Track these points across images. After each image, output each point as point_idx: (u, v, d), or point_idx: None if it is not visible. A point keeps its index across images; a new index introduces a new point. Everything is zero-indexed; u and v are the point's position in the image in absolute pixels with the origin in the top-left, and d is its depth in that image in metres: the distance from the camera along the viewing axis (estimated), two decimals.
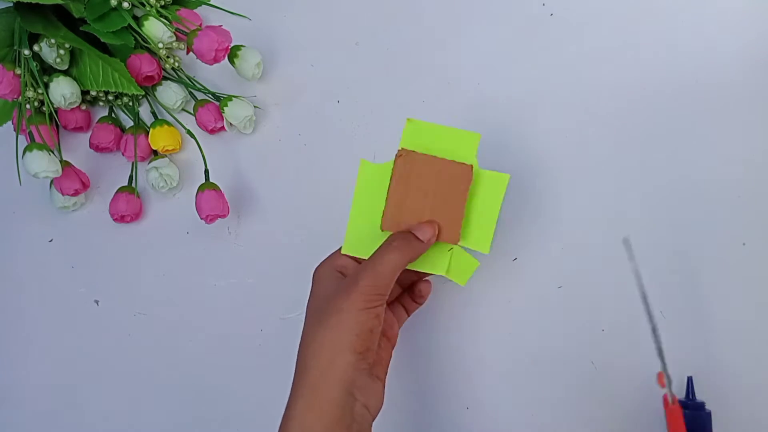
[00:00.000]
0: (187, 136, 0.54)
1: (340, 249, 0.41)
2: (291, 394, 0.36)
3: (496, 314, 0.48)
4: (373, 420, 0.37)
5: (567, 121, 0.50)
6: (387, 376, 0.45)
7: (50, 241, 0.54)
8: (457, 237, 0.40)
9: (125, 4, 0.50)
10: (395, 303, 0.44)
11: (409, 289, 0.44)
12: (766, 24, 0.49)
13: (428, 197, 0.40)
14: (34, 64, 0.49)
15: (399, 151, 0.40)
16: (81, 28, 0.50)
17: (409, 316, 0.44)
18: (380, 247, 0.38)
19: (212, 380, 0.50)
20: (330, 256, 0.41)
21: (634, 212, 0.48)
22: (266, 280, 0.51)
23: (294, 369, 0.37)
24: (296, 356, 0.37)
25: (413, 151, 0.40)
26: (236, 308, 0.51)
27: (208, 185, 0.50)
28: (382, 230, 0.40)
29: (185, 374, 0.51)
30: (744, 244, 0.46)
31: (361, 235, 0.41)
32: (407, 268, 0.39)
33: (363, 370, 0.35)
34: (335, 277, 0.39)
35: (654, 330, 0.39)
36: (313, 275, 0.40)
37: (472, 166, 0.40)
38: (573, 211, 0.49)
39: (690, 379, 0.44)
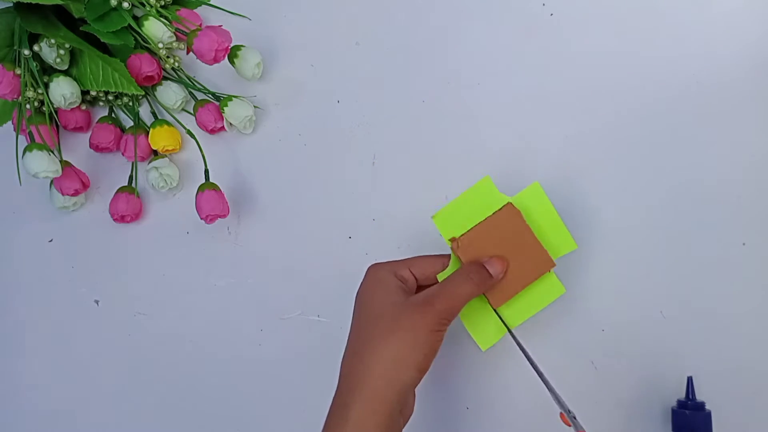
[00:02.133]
0: (187, 136, 0.54)
1: (403, 260, 0.41)
2: (346, 392, 0.36)
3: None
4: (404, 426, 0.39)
5: (567, 121, 0.50)
6: None
7: (50, 241, 0.54)
8: (551, 261, 0.41)
9: (125, 4, 0.50)
10: None
11: None
12: (765, 24, 0.49)
13: (503, 252, 0.40)
14: (34, 64, 0.49)
15: (509, 204, 0.41)
16: (81, 28, 0.50)
17: None
18: (455, 274, 0.39)
19: (212, 380, 0.50)
20: (392, 262, 0.41)
21: (634, 212, 0.48)
22: (266, 280, 0.51)
23: (341, 364, 0.37)
24: (346, 352, 0.38)
25: (519, 213, 0.41)
26: (236, 308, 0.51)
27: (208, 185, 0.50)
28: (449, 243, 0.41)
29: (185, 374, 0.51)
30: (744, 244, 0.46)
31: (453, 221, 0.41)
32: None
33: (415, 386, 0.36)
34: (398, 286, 0.39)
35: (539, 376, 0.40)
36: (369, 273, 0.40)
37: (511, 203, 0.41)
38: (572, 211, 0.49)
39: (690, 379, 0.44)
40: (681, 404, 0.44)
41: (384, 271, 0.40)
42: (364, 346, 0.37)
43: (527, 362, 0.47)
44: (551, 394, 0.39)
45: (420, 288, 0.41)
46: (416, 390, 0.47)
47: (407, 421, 0.39)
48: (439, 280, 0.41)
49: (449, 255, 0.42)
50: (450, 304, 0.37)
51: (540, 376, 0.40)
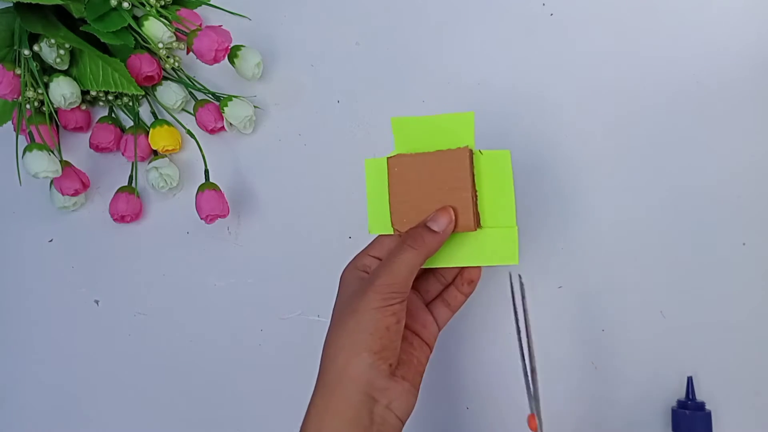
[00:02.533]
0: (187, 136, 0.54)
1: (363, 249, 0.40)
2: (313, 393, 0.36)
3: (496, 314, 0.48)
4: (403, 423, 0.36)
5: (567, 121, 0.50)
6: None
7: (50, 241, 0.54)
8: (473, 223, 0.38)
9: (125, 4, 0.50)
10: (435, 302, 0.42)
11: (454, 281, 0.42)
12: (766, 25, 0.49)
13: (433, 193, 0.38)
14: (34, 64, 0.49)
15: (389, 159, 0.39)
16: (81, 28, 0.50)
17: (454, 312, 0.42)
18: (395, 246, 0.38)
19: (212, 380, 0.50)
20: (354, 257, 0.40)
21: (634, 212, 0.48)
22: (266, 280, 0.51)
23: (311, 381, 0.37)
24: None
25: (402, 154, 0.39)
26: (236, 308, 0.51)
27: (208, 185, 0.50)
28: (394, 233, 0.40)
29: (185, 374, 0.51)
30: (744, 244, 0.46)
31: (383, 214, 0.40)
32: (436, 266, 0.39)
33: (382, 370, 0.34)
34: (358, 277, 0.39)
35: (530, 372, 0.38)
36: (340, 279, 0.40)
37: (467, 148, 0.38)
38: (573, 211, 0.49)
39: (690, 379, 0.44)
40: (681, 404, 0.44)
41: (347, 270, 0.40)
42: (324, 345, 0.37)
43: (527, 361, 0.47)
44: (528, 391, 0.38)
45: None
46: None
47: (404, 416, 0.36)
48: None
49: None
50: (390, 278, 0.35)
51: (525, 368, 0.38)
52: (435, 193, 0.38)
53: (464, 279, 0.42)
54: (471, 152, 0.38)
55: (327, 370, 0.35)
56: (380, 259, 0.40)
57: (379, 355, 0.34)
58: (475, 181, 0.39)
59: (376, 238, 0.41)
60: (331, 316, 0.38)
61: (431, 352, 0.40)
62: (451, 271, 0.42)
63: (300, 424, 0.35)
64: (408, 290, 0.36)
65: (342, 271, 0.40)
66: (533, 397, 0.38)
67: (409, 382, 0.37)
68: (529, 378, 0.38)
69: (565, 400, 0.46)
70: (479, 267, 0.41)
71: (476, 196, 0.39)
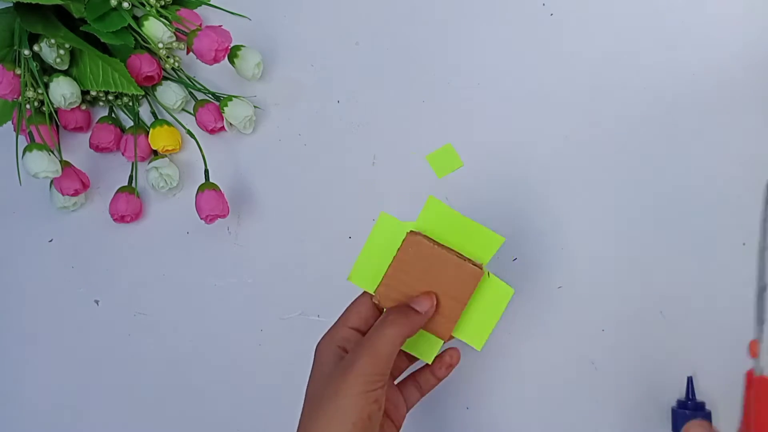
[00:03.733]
0: (187, 136, 0.54)
1: (339, 320, 0.38)
2: None
3: None
4: None
5: (567, 121, 0.50)
6: None
7: (50, 241, 0.54)
8: (448, 335, 0.38)
9: (125, 4, 0.50)
10: (407, 381, 0.40)
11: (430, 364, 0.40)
12: (765, 24, 0.49)
13: (431, 288, 0.37)
14: (34, 64, 0.49)
15: (409, 233, 0.38)
16: (81, 28, 0.50)
17: (423, 395, 0.40)
18: (377, 323, 0.36)
19: (212, 380, 0.50)
20: (330, 329, 0.38)
21: (634, 212, 0.48)
22: (266, 280, 0.51)
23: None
24: None
25: (423, 238, 0.37)
26: (236, 308, 0.51)
27: (208, 185, 0.50)
28: (373, 299, 0.38)
29: (185, 374, 0.51)
30: (744, 244, 0.46)
31: (370, 271, 0.39)
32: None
33: None
34: (335, 354, 0.36)
35: (761, 291, 0.35)
36: (315, 352, 0.37)
37: (482, 272, 0.37)
38: (573, 211, 0.49)
39: (690, 379, 0.44)
40: (681, 404, 0.44)
41: (323, 345, 0.37)
42: (301, 424, 0.34)
43: (528, 361, 0.47)
44: (758, 313, 0.35)
45: None
46: None
47: None
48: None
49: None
50: (372, 358, 0.33)
51: (761, 291, 0.36)
52: (432, 289, 0.37)
53: (443, 362, 0.40)
54: (414, 233, 0.38)
55: None
56: (358, 330, 0.37)
57: None
58: (443, 241, 0.38)
59: (351, 306, 0.38)
60: (305, 395, 0.36)
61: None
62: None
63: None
64: (389, 373, 0.34)
65: (317, 344, 0.37)
66: (760, 320, 0.35)
67: None
68: (762, 298, 0.35)
69: (565, 400, 0.46)
70: (458, 350, 0.40)
71: (460, 315, 0.38)
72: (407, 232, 0.38)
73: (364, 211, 0.51)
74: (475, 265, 0.37)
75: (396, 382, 0.40)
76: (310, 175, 0.53)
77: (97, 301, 0.53)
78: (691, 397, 0.44)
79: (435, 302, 0.37)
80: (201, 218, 0.49)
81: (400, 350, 0.37)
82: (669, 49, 0.50)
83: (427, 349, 0.39)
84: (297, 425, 0.35)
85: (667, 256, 0.47)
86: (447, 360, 0.40)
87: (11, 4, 0.49)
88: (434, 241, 0.38)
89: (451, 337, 0.39)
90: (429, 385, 0.40)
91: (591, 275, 0.47)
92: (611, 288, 0.47)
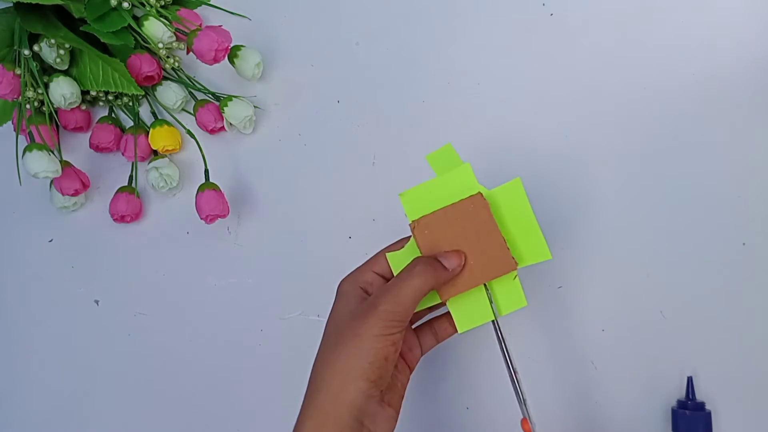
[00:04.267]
0: (187, 136, 0.54)
1: (366, 263, 0.39)
2: (300, 413, 0.35)
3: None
4: None
5: (567, 121, 0.50)
6: None
7: (50, 241, 0.54)
8: (513, 262, 0.37)
9: (125, 4, 0.50)
10: (424, 326, 0.42)
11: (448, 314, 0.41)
12: (765, 24, 0.49)
13: (462, 244, 0.38)
14: (34, 64, 0.49)
15: (479, 193, 0.38)
16: (81, 28, 0.50)
17: (439, 342, 0.41)
18: (404, 270, 0.36)
19: (212, 380, 0.50)
20: (356, 270, 0.39)
21: (635, 212, 0.48)
22: (266, 280, 0.51)
23: (306, 385, 0.36)
24: (310, 373, 0.36)
25: (422, 217, 0.38)
26: (236, 308, 0.51)
27: (208, 185, 0.50)
28: (410, 223, 0.39)
29: (185, 374, 0.51)
30: (744, 244, 0.46)
31: (421, 202, 0.39)
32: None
33: (374, 397, 0.34)
34: (358, 294, 0.37)
35: (514, 374, 0.38)
36: (337, 289, 0.38)
37: (480, 193, 0.38)
38: (573, 211, 0.49)
39: (690, 379, 0.44)
40: (681, 404, 0.44)
41: (347, 284, 0.38)
42: (316, 365, 0.36)
43: (528, 361, 0.47)
44: (517, 396, 0.38)
45: None
46: (416, 389, 0.47)
47: None
48: (389, 262, 0.39)
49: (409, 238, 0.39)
50: (394, 305, 0.34)
51: (512, 375, 0.38)
52: (465, 246, 0.38)
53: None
54: (482, 196, 0.38)
55: (320, 390, 0.34)
56: (382, 276, 0.39)
57: (374, 383, 0.34)
58: (498, 220, 0.38)
59: (380, 253, 0.40)
60: (325, 328, 0.37)
61: (408, 376, 0.40)
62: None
63: None
64: (408, 320, 0.35)
65: (340, 281, 0.39)
66: (521, 401, 0.38)
67: (393, 408, 0.37)
68: (516, 382, 0.38)
69: (565, 400, 0.46)
70: None
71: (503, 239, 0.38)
72: (478, 192, 0.38)
73: (364, 211, 0.51)
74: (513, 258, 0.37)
75: (414, 326, 0.41)
76: (310, 175, 0.53)
77: (97, 301, 0.53)
78: (691, 397, 0.44)
79: (463, 263, 0.37)
80: (201, 218, 0.49)
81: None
82: (669, 48, 0.50)
83: (514, 298, 0.39)
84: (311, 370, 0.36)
85: (667, 255, 0.47)
86: None
87: (11, 4, 0.49)
88: (435, 211, 0.38)
89: (517, 265, 0.38)
90: (445, 333, 0.41)
91: (591, 275, 0.47)
92: (611, 288, 0.47)
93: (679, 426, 0.43)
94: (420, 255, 0.38)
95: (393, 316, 0.34)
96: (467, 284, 0.37)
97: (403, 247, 0.39)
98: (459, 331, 0.39)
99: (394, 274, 0.38)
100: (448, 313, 0.40)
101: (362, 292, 0.38)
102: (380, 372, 0.34)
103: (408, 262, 0.37)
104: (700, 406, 0.43)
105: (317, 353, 0.36)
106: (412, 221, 0.38)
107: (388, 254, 0.39)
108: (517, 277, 0.39)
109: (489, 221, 0.37)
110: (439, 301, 0.38)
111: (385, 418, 0.35)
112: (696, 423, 0.42)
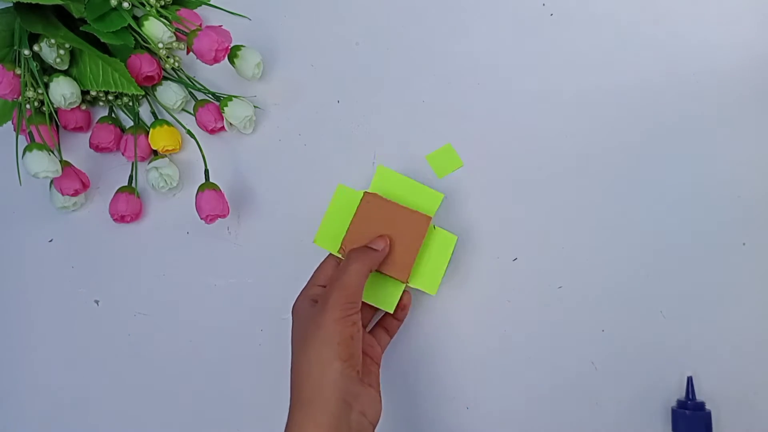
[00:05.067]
0: (187, 136, 0.54)
1: (309, 282, 0.44)
2: (289, 413, 0.37)
3: (496, 314, 0.48)
4: (374, 428, 0.38)
5: (567, 120, 0.50)
6: (389, 378, 0.45)
7: (50, 241, 0.54)
8: (406, 276, 0.43)
9: (125, 4, 0.50)
10: (376, 328, 0.46)
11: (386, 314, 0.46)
12: (765, 24, 0.49)
13: (385, 230, 0.44)
14: (34, 64, 0.49)
15: (365, 194, 0.44)
16: (81, 28, 0.50)
17: (391, 337, 0.46)
18: (343, 262, 0.41)
19: (212, 380, 0.50)
20: (302, 290, 0.43)
21: (635, 212, 0.48)
22: (266, 280, 0.51)
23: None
24: (290, 381, 0.38)
25: (377, 196, 0.44)
26: (236, 308, 0.51)
27: (208, 185, 0.50)
28: (339, 252, 0.44)
29: (185, 374, 0.51)
30: (744, 244, 0.46)
31: (331, 234, 0.46)
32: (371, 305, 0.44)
33: (353, 377, 0.37)
34: (309, 305, 0.41)
35: None
36: (292, 312, 0.42)
37: (429, 217, 0.44)
38: (573, 211, 0.49)
39: (690, 379, 0.44)
40: (681, 404, 0.44)
41: (298, 302, 0.42)
42: (293, 366, 0.38)
43: (528, 362, 0.47)
44: None
45: None
46: (416, 390, 0.47)
47: (375, 421, 0.38)
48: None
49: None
50: (343, 291, 0.38)
51: None
52: (384, 231, 0.44)
53: (399, 305, 0.45)
54: (429, 220, 0.44)
55: (302, 386, 0.37)
56: (326, 287, 0.42)
57: (348, 363, 0.37)
58: (422, 248, 0.44)
59: (318, 268, 0.44)
60: (292, 343, 0.40)
61: (379, 368, 0.43)
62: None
63: None
64: (360, 301, 0.40)
65: (293, 306, 0.42)
66: None
67: (374, 389, 0.40)
68: None
69: (566, 400, 0.46)
70: (409, 293, 0.46)
71: (415, 257, 0.44)
72: (363, 193, 0.44)
73: None
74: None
75: (368, 330, 0.46)
76: (310, 175, 0.53)
77: (97, 301, 0.53)
78: (691, 397, 0.44)
79: (389, 242, 0.43)
80: (201, 218, 0.49)
81: (365, 304, 0.44)
82: (669, 48, 0.50)
83: (388, 300, 0.44)
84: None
85: (667, 256, 0.47)
86: (400, 303, 0.45)
87: (11, 4, 0.49)
88: (386, 199, 0.44)
89: (407, 283, 0.44)
90: (393, 326, 0.46)
91: (591, 275, 0.47)
92: (611, 288, 0.47)
93: (679, 426, 0.43)
94: (354, 215, 0.44)
95: (345, 299, 0.38)
96: (410, 258, 0.43)
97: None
98: (433, 294, 0.44)
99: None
100: (390, 313, 0.45)
101: (313, 303, 0.41)
102: (350, 350, 0.37)
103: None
104: (700, 406, 0.43)
105: (291, 364, 0.39)
106: (339, 250, 0.44)
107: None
108: (435, 227, 0.45)
109: (418, 239, 0.44)
110: (401, 288, 0.44)
111: (370, 397, 0.38)
112: (696, 423, 0.42)
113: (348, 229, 0.44)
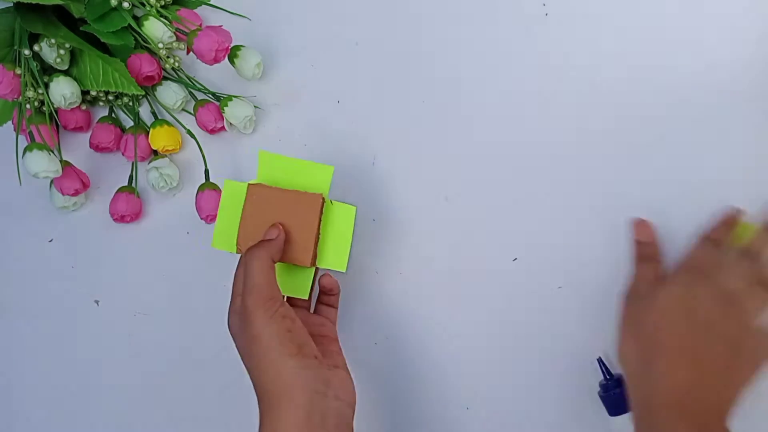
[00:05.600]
0: (187, 136, 0.54)
1: (232, 295, 0.41)
2: (260, 423, 0.37)
3: (496, 314, 0.48)
4: (353, 408, 0.38)
5: (567, 120, 0.50)
6: (389, 378, 0.45)
7: (50, 241, 0.54)
8: (309, 260, 0.42)
9: (125, 4, 0.50)
10: (318, 305, 0.46)
11: (319, 293, 0.46)
12: (766, 24, 0.49)
13: (283, 223, 0.42)
14: (34, 64, 0.49)
15: (250, 185, 0.42)
16: (81, 28, 0.50)
17: (336, 308, 0.46)
18: (239, 264, 0.40)
19: (212, 380, 0.50)
20: (229, 309, 0.41)
21: (635, 212, 0.48)
22: None
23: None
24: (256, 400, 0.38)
25: (262, 185, 0.42)
26: None
27: (208, 185, 0.50)
28: (237, 251, 0.42)
29: (185, 374, 0.51)
30: None
31: (228, 234, 0.44)
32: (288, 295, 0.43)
33: (313, 365, 0.36)
34: (240, 320, 0.39)
35: None
36: (230, 332, 0.40)
37: (321, 195, 0.42)
38: (573, 211, 0.49)
39: (600, 360, 0.45)
40: (604, 387, 0.44)
41: (229, 320, 0.40)
42: (253, 380, 0.38)
43: (528, 362, 0.47)
44: None
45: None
46: (416, 390, 0.47)
47: (351, 400, 0.38)
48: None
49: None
50: (257, 291, 0.37)
51: None
52: (284, 224, 0.42)
53: (323, 290, 0.45)
54: (323, 200, 0.43)
55: (265, 393, 0.36)
56: None
57: (300, 354, 0.36)
58: (321, 225, 0.43)
59: (234, 279, 0.41)
60: (243, 363, 0.38)
61: (338, 343, 0.43)
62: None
63: None
64: (279, 293, 0.38)
65: (228, 329, 0.40)
66: None
67: (341, 368, 0.39)
68: None
69: (566, 400, 0.46)
70: (329, 275, 0.45)
71: (318, 238, 0.43)
72: (248, 185, 0.42)
73: (364, 211, 0.51)
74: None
75: (313, 311, 0.46)
76: None
77: (97, 301, 0.53)
78: (608, 376, 0.44)
79: (282, 229, 0.41)
80: (201, 218, 0.49)
81: (296, 299, 0.43)
82: (670, 47, 0.50)
83: (301, 286, 0.43)
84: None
85: (670, 256, 0.47)
86: (324, 286, 0.44)
87: (11, 4, 0.49)
88: (273, 187, 0.42)
89: (315, 265, 0.43)
90: (333, 302, 0.46)
91: (591, 275, 0.47)
92: (611, 288, 0.47)
93: (609, 407, 0.43)
94: (242, 210, 0.42)
95: (261, 299, 0.37)
96: (311, 242, 0.42)
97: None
98: (345, 270, 0.43)
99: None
100: (320, 296, 0.45)
101: (241, 316, 0.39)
102: (295, 341, 0.36)
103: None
104: (620, 381, 0.43)
105: (250, 377, 0.38)
106: (237, 248, 0.42)
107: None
108: (333, 202, 0.44)
109: (313, 220, 0.42)
110: (311, 272, 0.43)
111: (339, 378, 0.38)
112: (619, 398, 0.42)
113: (239, 225, 0.42)
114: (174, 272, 0.52)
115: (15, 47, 0.50)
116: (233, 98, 0.52)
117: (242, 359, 0.38)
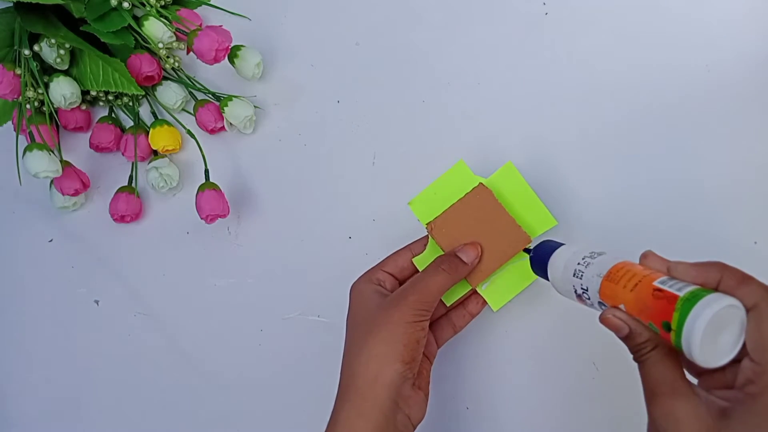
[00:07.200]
0: (187, 136, 0.54)
1: (375, 266, 0.42)
2: (338, 399, 0.37)
3: (496, 314, 0.48)
4: (414, 429, 0.38)
5: (568, 120, 0.50)
6: None
7: (50, 241, 0.54)
8: (526, 236, 0.41)
9: (125, 4, 0.50)
10: (441, 320, 0.44)
11: (464, 302, 0.45)
12: (766, 25, 0.49)
13: (478, 234, 0.41)
14: (35, 64, 0.49)
15: (480, 184, 0.42)
16: (81, 28, 0.50)
17: (456, 332, 0.44)
18: (429, 266, 0.40)
19: (212, 380, 0.50)
20: (366, 272, 0.42)
21: (641, 212, 0.48)
22: (266, 280, 0.51)
23: (339, 376, 0.38)
24: (341, 365, 0.38)
25: (490, 193, 0.41)
26: (236, 308, 0.51)
27: (208, 185, 0.50)
28: (426, 228, 0.42)
29: (185, 374, 0.51)
30: (755, 242, 0.46)
31: (429, 205, 0.43)
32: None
33: (408, 380, 0.37)
34: (375, 291, 0.40)
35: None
36: (351, 291, 0.41)
37: (529, 239, 0.41)
38: (574, 211, 0.49)
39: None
40: (527, 251, 0.40)
41: (361, 283, 0.41)
42: (350, 353, 0.38)
43: (528, 362, 0.47)
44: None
45: (402, 282, 0.42)
46: None
47: (417, 424, 0.38)
48: (417, 266, 0.42)
49: (420, 241, 0.43)
50: (423, 296, 0.38)
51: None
52: (480, 240, 0.41)
53: (466, 310, 0.44)
54: (484, 186, 0.42)
55: (357, 375, 0.36)
56: (393, 275, 0.42)
57: (409, 366, 0.36)
58: (503, 204, 0.41)
59: (391, 255, 0.43)
60: (348, 324, 0.40)
61: (431, 365, 0.42)
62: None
63: (327, 422, 0.37)
64: (433, 309, 0.39)
65: (352, 284, 0.41)
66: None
67: (423, 391, 0.39)
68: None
69: (566, 401, 0.46)
70: (481, 304, 0.44)
71: (496, 270, 0.42)
72: (479, 183, 0.42)
73: (364, 211, 0.51)
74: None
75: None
76: (310, 175, 0.52)
77: (97, 301, 0.53)
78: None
79: (480, 254, 0.41)
80: (201, 218, 0.49)
81: None
82: (671, 47, 0.50)
83: (451, 293, 0.42)
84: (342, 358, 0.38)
85: (677, 255, 0.47)
86: (469, 309, 0.44)
87: (11, 4, 0.49)
88: (497, 200, 0.42)
89: (475, 291, 0.42)
90: (463, 321, 0.44)
91: None
92: None
93: (536, 264, 0.39)
94: (441, 253, 0.41)
95: (422, 305, 0.37)
96: (491, 268, 0.41)
97: (415, 252, 0.43)
98: (494, 310, 0.42)
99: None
100: (464, 302, 0.44)
101: (378, 287, 0.41)
102: (413, 354, 0.37)
103: (431, 260, 0.41)
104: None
105: (345, 345, 0.39)
106: (428, 224, 0.42)
107: (414, 259, 0.43)
108: (470, 288, 0.42)
109: (496, 207, 0.41)
110: (468, 290, 0.42)
111: (417, 401, 0.38)
112: (545, 251, 0.38)
113: (447, 209, 0.42)
114: (174, 272, 0.52)
115: (15, 47, 0.50)
116: (233, 98, 0.52)
117: (351, 327, 0.39)
